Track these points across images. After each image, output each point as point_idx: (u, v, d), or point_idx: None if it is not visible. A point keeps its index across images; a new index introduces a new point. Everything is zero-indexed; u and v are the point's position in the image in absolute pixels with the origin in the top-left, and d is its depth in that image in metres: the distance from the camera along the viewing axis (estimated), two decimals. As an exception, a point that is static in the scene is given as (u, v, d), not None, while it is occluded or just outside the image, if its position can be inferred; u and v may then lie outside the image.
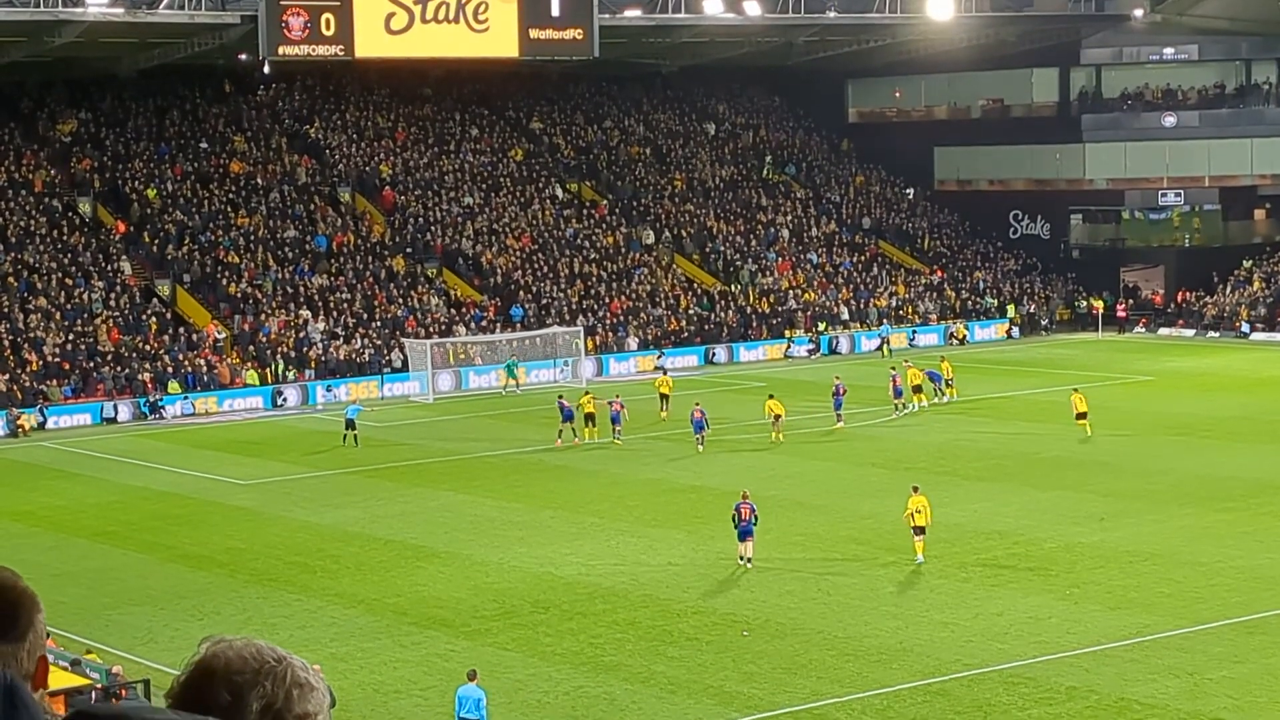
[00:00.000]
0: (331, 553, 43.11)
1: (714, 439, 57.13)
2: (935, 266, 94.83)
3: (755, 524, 39.83)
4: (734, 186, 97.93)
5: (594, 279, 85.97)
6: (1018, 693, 30.39)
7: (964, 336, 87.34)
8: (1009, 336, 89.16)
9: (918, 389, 63.86)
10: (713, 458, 55.09)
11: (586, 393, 62.35)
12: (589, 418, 59.56)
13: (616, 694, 30.98)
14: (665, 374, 68.23)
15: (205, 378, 71.95)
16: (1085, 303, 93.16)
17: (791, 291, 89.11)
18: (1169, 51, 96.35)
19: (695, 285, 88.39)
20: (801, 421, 61.96)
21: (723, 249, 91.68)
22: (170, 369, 71.53)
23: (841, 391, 60.98)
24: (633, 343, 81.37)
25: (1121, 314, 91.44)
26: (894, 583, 38.50)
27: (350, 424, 59.86)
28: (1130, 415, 61.82)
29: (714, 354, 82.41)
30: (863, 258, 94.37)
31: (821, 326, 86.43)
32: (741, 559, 39.81)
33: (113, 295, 75.85)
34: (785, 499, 47.19)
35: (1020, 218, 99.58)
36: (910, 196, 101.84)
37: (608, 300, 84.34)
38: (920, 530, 39.94)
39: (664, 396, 63.55)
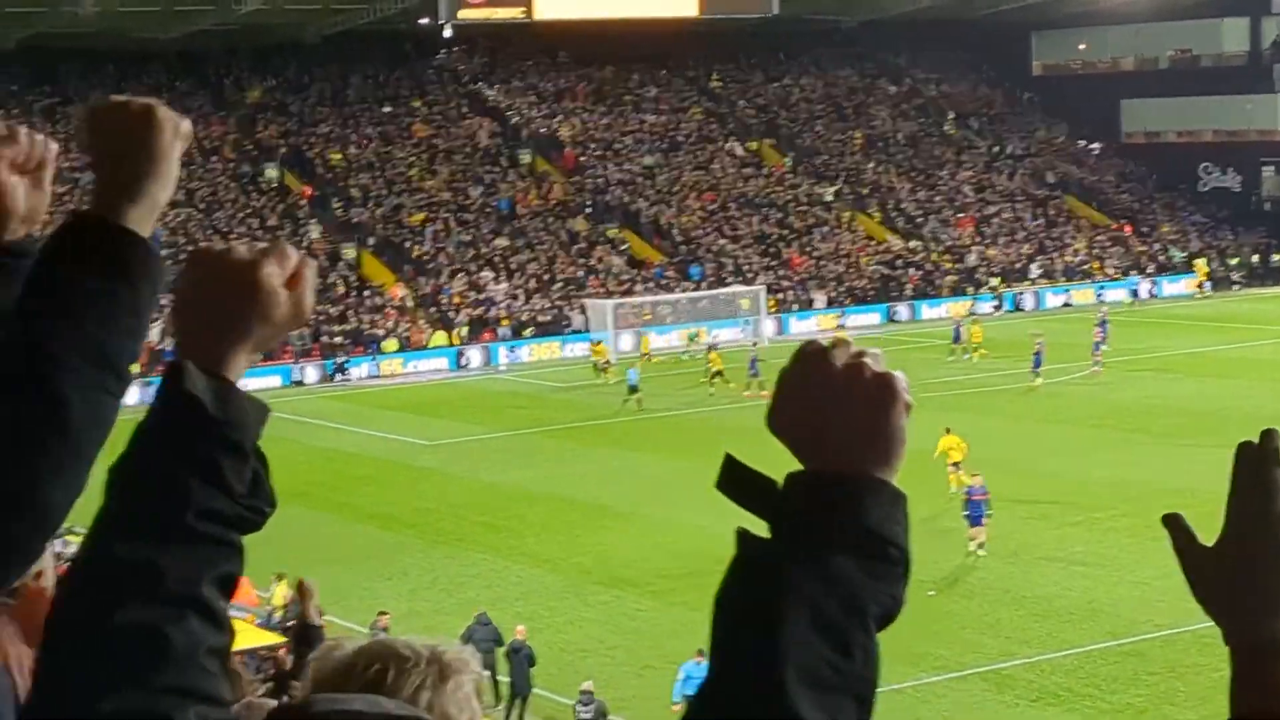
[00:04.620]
0: (517, 512, 43.38)
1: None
2: (1122, 221, 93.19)
3: (987, 509, 37.94)
4: (915, 142, 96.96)
5: (774, 237, 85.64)
6: (1211, 654, 29.68)
7: (1169, 263, 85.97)
8: (1200, 291, 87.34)
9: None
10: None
11: (712, 348, 63.21)
12: (718, 374, 60.05)
13: (802, 654, 30.81)
14: (714, 350, 65.70)
15: (399, 340, 72.85)
16: (1277, 256, 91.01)
17: (974, 248, 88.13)
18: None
19: (876, 242, 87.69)
20: (990, 379, 61.28)
21: (904, 205, 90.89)
22: (353, 332, 72.45)
23: (1041, 349, 60.06)
24: (820, 300, 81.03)
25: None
26: (1083, 542, 37.92)
27: (633, 389, 59.42)
28: (1326, 370, 60.32)
29: (895, 312, 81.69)
30: (1047, 213, 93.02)
31: (1001, 282, 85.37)
32: (974, 546, 37.51)
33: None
34: (973, 458, 46.58)
35: (1210, 170, 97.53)
36: (1096, 150, 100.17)
37: (788, 259, 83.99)
38: (957, 465, 41.50)
39: (718, 373, 61.55)
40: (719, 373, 60.41)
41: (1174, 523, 2.38)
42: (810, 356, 2.19)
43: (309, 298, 2.34)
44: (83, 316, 2.49)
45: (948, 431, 43.08)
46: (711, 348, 64.55)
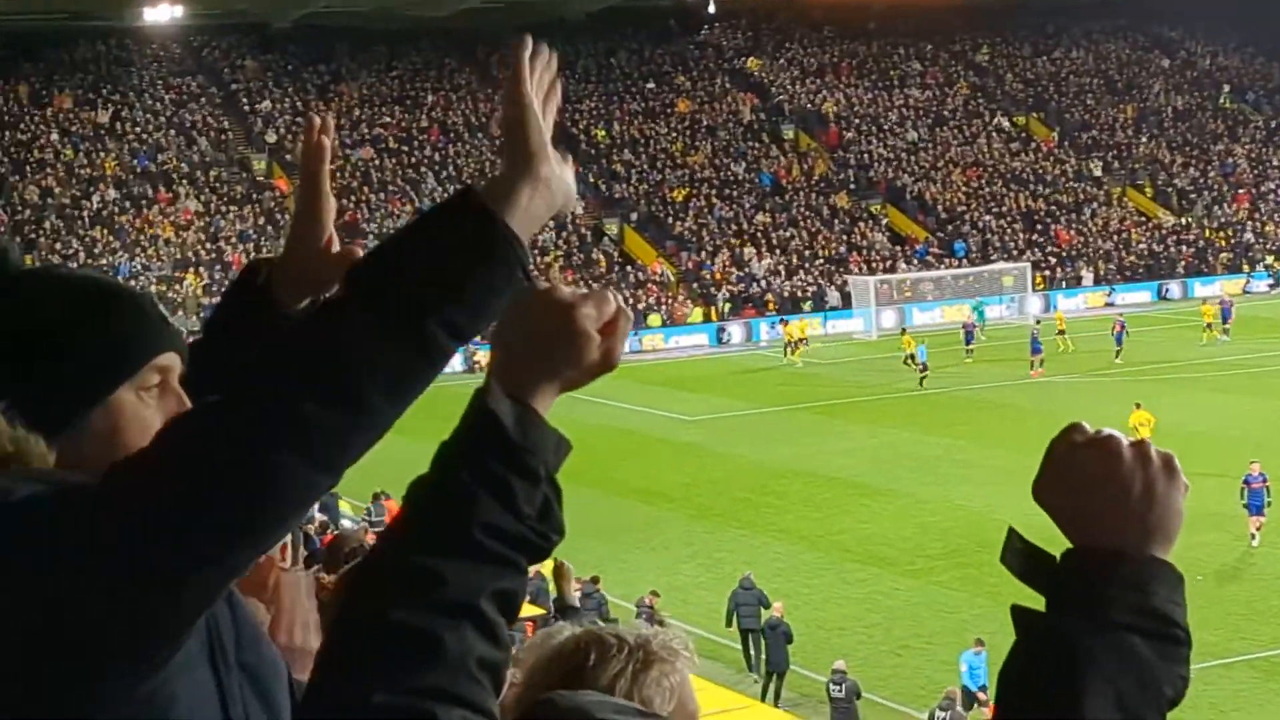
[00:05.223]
0: (776, 489, 43.35)
1: (1166, 376, 55.42)
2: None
3: (1267, 496, 36.13)
4: (1188, 116, 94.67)
5: (1041, 213, 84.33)
6: None
7: None
8: None
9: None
10: (1162, 394, 53.33)
11: (904, 331, 62.39)
12: (910, 358, 59.26)
13: (1065, 637, 30.28)
14: (905, 332, 64.50)
15: (663, 316, 73.32)
16: None
17: (1250, 224, 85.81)
18: None
19: (1147, 219, 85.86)
20: (1265, 359, 59.65)
21: (1176, 181, 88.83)
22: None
23: None
24: (1088, 277, 79.66)
25: None
26: (1361, 529, 36.71)
27: (923, 366, 59.13)
28: None
29: (1167, 289, 79.93)
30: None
31: (1276, 260, 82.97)
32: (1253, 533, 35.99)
33: (563, 235, 77.76)
34: (1241, 439, 45.41)
35: None
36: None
37: (1055, 235, 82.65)
38: None
39: (911, 356, 60.25)
40: (911, 356, 59.44)
41: None
42: (1094, 438, 2.29)
43: (619, 347, 2.41)
44: (412, 269, 2.45)
45: (1138, 407, 43.01)
46: (903, 330, 63.72)
